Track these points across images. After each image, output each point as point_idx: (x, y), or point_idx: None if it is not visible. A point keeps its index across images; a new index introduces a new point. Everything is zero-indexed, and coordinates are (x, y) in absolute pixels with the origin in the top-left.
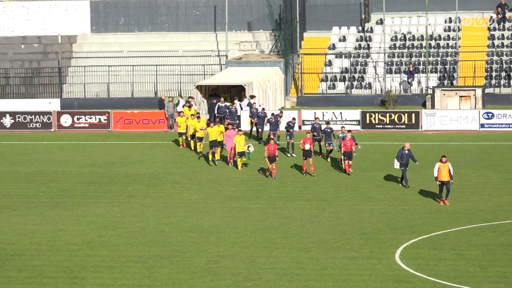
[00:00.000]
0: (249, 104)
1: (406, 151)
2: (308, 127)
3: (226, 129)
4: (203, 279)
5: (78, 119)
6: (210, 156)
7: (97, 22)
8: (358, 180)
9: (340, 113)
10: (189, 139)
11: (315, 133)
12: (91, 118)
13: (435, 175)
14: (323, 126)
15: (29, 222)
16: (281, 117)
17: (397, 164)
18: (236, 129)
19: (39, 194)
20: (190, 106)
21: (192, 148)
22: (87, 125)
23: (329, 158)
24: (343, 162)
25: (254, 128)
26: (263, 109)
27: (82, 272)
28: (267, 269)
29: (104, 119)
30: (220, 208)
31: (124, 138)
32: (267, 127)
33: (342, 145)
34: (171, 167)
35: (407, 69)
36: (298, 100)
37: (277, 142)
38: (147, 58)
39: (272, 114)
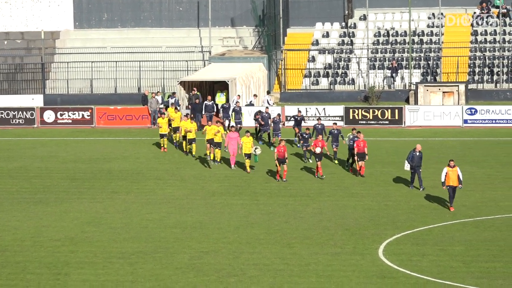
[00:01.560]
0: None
1: (418, 153)
2: (291, 123)
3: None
4: (187, 275)
5: (61, 115)
6: (211, 155)
7: (80, 18)
8: (342, 176)
9: (324, 109)
10: (177, 140)
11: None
12: (74, 114)
13: (443, 180)
14: (326, 125)
15: (12, 218)
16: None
17: (407, 166)
18: (236, 130)
19: (22, 190)
20: (176, 108)
21: (184, 150)
22: (70, 121)
23: (336, 160)
24: (356, 163)
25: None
26: (267, 108)
27: (65, 268)
28: (250, 265)
29: (87, 115)
30: (203, 204)
31: (107, 134)
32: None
33: (354, 146)
34: (154, 163)
35: (390, 65)
36: (281, 96)
37: (298, 145)
38: (130, 54)
39: (278, 114)
